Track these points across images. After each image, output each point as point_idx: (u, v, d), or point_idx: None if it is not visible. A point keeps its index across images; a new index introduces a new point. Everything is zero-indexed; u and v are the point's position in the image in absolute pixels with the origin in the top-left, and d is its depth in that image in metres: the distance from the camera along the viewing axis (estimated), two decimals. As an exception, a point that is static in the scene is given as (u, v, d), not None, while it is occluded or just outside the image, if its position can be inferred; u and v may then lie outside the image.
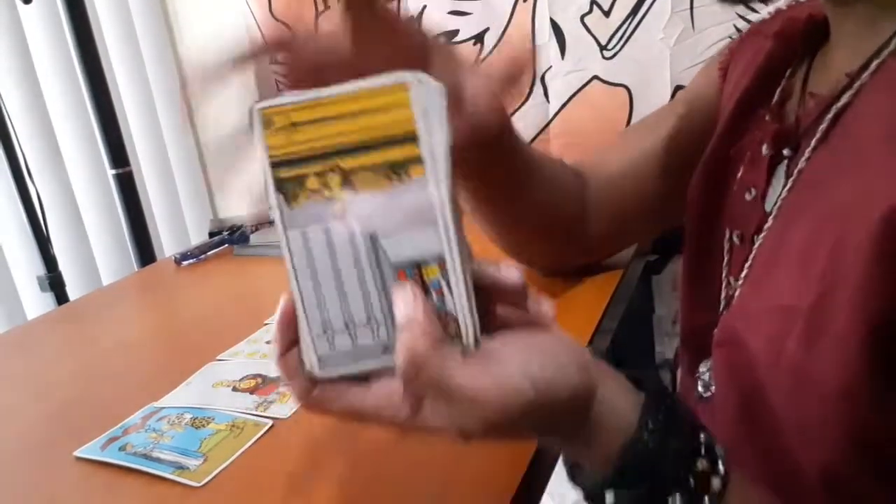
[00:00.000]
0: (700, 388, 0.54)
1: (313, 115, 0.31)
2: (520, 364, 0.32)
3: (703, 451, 0.36)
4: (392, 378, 0.32)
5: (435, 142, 0.30)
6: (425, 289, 0.31)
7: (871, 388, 0.38)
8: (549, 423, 0.35)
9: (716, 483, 0.36)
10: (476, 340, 0.32)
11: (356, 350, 0.33)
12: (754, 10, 1.13)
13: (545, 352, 0.34)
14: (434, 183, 0.30)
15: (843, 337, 0.38)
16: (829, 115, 0.44)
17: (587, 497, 0.37)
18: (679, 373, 0.61)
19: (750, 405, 0.45)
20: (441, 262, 0.31)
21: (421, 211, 0.31)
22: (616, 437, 0.35)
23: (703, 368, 0.54)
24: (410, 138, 0.30)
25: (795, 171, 0.46)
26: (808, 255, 0.41)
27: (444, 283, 0.31)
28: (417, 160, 0.30)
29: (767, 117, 0.51)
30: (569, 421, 0.35)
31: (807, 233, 0.42)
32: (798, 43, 0.53)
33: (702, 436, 0.36)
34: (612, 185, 0.72)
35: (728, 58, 0.64)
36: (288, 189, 0.32)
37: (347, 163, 0.31)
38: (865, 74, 0.42)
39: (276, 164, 0.32)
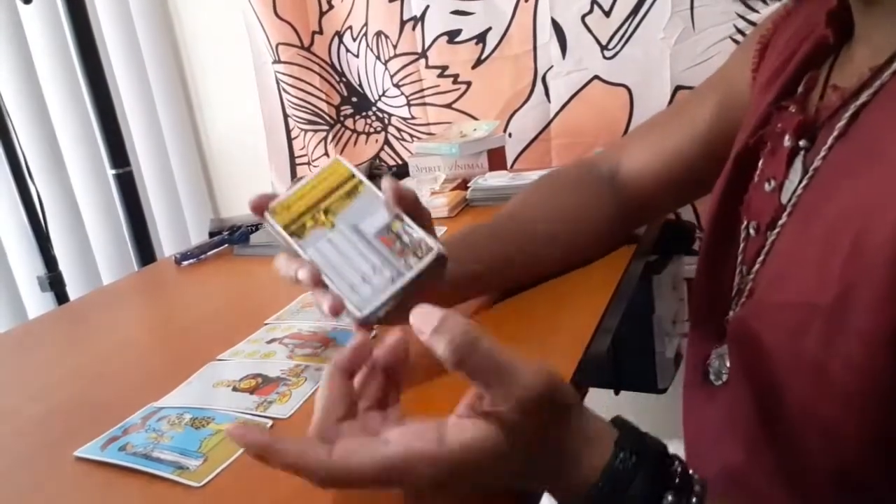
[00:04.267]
0: (711, 377, 0.53)
1: (297, 197, 0.55)
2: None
3: (676, 481, 0.37)
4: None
5: (360, 172, 0.56)
6: (397, 236, 0.52)
7: (892, 388, 0.37)
8: (557, 419, 0.38)
9: (697, 486, 0.38)
10: (442, 246, 0.51)
11: (375, 289, 0.51)
12: (754, 10, 1.13)
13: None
14: (371, 189, 0.54)
15: (865, 336, 0.37)
16: (850, 111, 0.43)
17: None
18: (685, 360, 0.61)
19: (766, 401, 0.45)
20: (396, 219, 0.53)
21: (372, 203, 0.54)
22: (602, 442, 0.38)
23: (713, 357, 0.54)
24: (351, 176, 0.55)
25: (812, 166, 0.46)
26: (826, 252, 0.41)
27: (403, 229, 0.53)
28: (360, 183, 0.55)
29: (792, 108, 0.51)
30: (563, 420, 0.38)
31: (825, 229, 0.42)
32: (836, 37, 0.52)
33: (676, 464, 0.38)
34: (647, 171, 0.75)
35: (769, 34, 0.62)
36: (297, 232, 0.54)
37: (325, 203, 0.54)
38: (888, 72, 0.42)
39: (285, 227, 0.54)
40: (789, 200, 0.47)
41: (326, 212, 0.53)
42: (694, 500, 0.37)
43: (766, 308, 0.47)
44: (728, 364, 0.52)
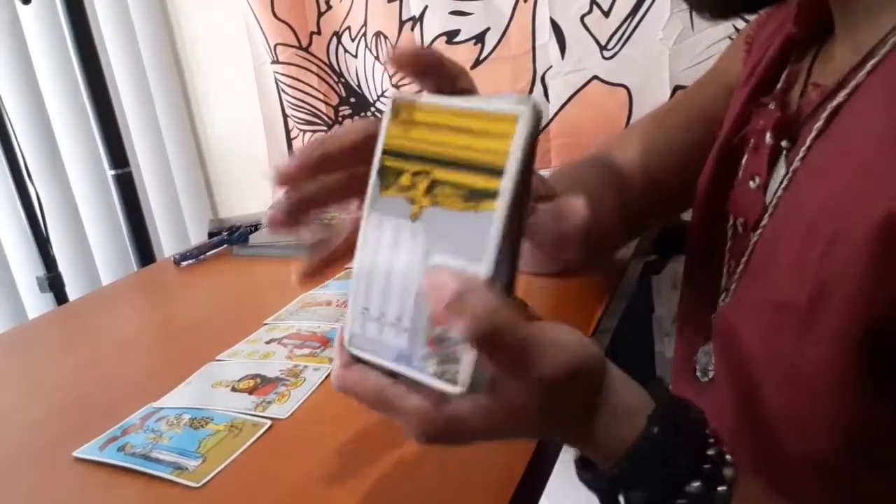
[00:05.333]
0: (698, 373, 0.54)
1: (431, 118, 0.34)
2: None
3: (713, 439, 0.36)
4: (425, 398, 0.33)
5: (512, 182, 0.31)
6: None
7: (864, 384, 0.38)
8: (583, 397, 0.35)
9: (728, 472, 0.36)
10: (469, 385, 0.32)
11: (378, 342, 0.35)
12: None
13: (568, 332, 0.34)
14: (497, 222, 0.31)
15: (839, 334, 0.38)
16: (829, 109, 0.44)
17: (602, 489, 0.37)
18: (674, 356, 0.62)
19: (746, 396, 0.46)
20: None
21: (472, 244, 0.31)
22: (633, 418, 0.35)
23: (700, 353, 0.54)
24: (497, 171, 0.31)
25: (794, 163, 0.46)
26: (803, 251, 0.41)
27: None
28: (492, 195, 0.31)
29: (771, 105, 0.51)
30: (590, 399, 0.35)
31: (803, 228, 0.42)
32: (810, 30, 0.52)
33: (707, 429, 0.37)
34: (649, 171, 0.72)
35: (754, 33, 0.63)
36: (386, 176, 0.35)
37: (439, 174, 0.33)
38: (863, 72, 0.42)
39: (386, 152, 0.35)
40: (772, 200, 0.48)
41: (431, 186, 0.33)
42: (720, 490, 0.35)
43: (745, 306, 0.48)
44: (713, 361, 0.52)
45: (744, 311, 0.47)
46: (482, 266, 0.31)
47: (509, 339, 0.31)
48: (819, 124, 0.44)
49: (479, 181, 0.31)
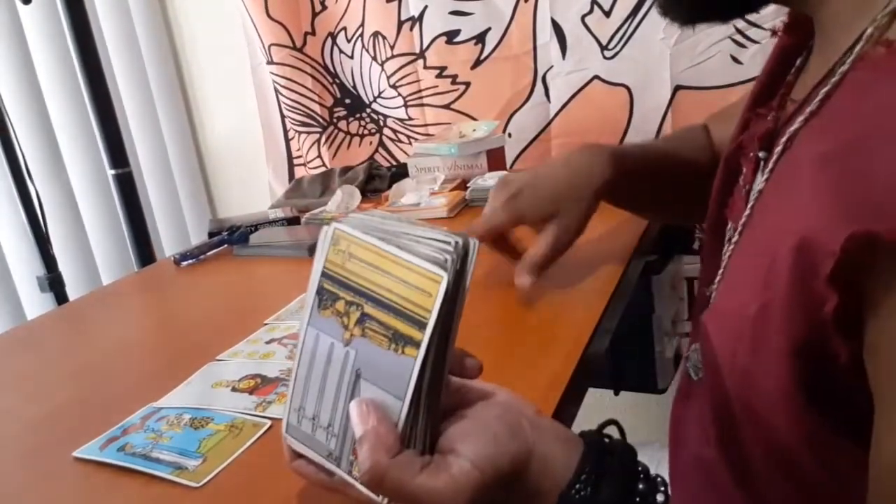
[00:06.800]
0: (690, 372, 0.55)
1: (367, 257, 0.37)
2: (465, 453, 0.35)
3: (637, 499, 0.37)
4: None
5: (431, 338, 0.34)
6: None
7: (802, 396, 0.40)
8: (501, 491, 0.36)
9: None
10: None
11: (310, 438, 0.40)
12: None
13: (483, 430, 0.37)
14: (418, 370, 0.35)
15: (776, 349, 0.40)
16: (794, 126, 0.44)
17: None
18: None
19: (722, 398, 0.48)
20: (396, 422, 0.36)
21: (395, 382, 0.35)
22: (553, 490, 0.37)
23: (691, 352, 0.56)
24: (421, 324, 0.34)
25: (765, 175, 0.47)
26: (754, 266, 0.43)
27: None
28: (415, 344, 0.35)
29: (769, 117, 0.52)
30: (515, 485, 0.37)
31: (757, 245, 0.44)
32: (800, 39, 0.52)
33: (640, 486, 0.37)
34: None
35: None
36: (324, 297, 0.39)
37: (369, 309, 0.37)
38: (818, 97, 0.43)
39: (325, 275, 0.39)
40: (749, 209, 0.49)
41: (362, 318, 0.37)
42: None
43: (717, 311, 0.50)
44: (701, 361, 0.53)
45: (716, 316, 0.49)
46: (401, 406, 0.35)
47: (398, 492, 0.35)
48: (781, 143, 0.45)
49: (404, 327, 0.35)
